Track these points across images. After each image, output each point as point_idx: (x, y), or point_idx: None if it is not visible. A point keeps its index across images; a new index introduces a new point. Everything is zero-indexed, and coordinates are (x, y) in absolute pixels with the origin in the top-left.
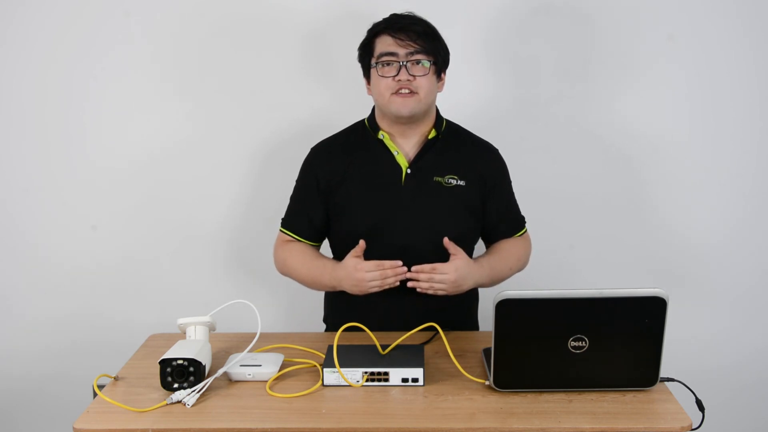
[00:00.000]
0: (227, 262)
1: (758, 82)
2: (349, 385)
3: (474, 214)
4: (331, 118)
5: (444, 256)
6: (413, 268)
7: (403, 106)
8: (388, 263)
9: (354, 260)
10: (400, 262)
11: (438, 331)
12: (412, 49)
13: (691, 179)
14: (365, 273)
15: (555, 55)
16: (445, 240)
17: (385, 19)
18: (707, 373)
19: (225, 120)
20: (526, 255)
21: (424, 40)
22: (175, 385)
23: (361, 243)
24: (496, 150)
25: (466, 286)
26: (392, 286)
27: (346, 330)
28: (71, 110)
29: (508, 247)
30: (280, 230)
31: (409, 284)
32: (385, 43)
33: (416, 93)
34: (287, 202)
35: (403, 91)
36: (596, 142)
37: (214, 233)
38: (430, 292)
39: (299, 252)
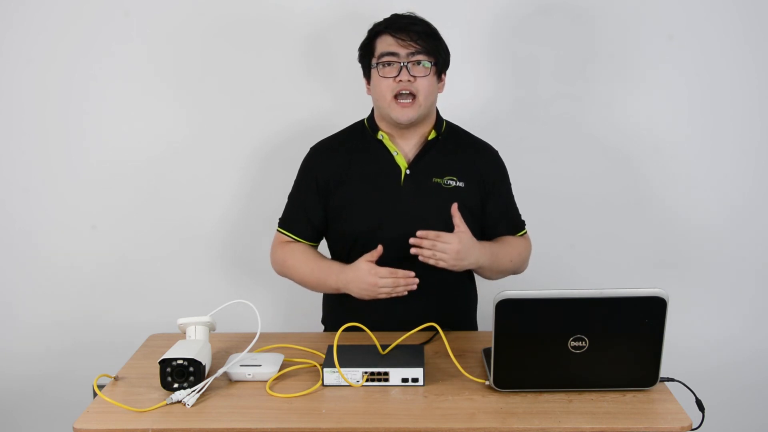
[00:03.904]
0: (227, 262)
1: (758, 82)
2: (349, 385)
3: (473, 216)
4: (330, 118)
5: None
6: (418, 233)
7: (403, 114)
8: (401, 272)
9: (368, 264)
10: (413, 273)
11: (438, 331)
12: (413, 50)
13: (691, 179)
14: (379, 279)
15: (555, 56)
16: (453, 207)
17: (386, 19)
18: (707, 373)
19: (224, 120)
20: (527, 252)
21: (425, 41)
22: (175, 385)
23: (379, 248)
24: (496, 151)
25: (467, 262)
26: (399, 294)
27: (345, 330)
28: (71, 110)
29: (509, 239)
30: (278, 230)
31: (413, 251)
32: (385, 43)
33: (416, 98)
34: (286, 202)
35: (403, 92)
36: (596, 142)
37: (214, 233)
38: (431, 261)
39: (300, 252)
